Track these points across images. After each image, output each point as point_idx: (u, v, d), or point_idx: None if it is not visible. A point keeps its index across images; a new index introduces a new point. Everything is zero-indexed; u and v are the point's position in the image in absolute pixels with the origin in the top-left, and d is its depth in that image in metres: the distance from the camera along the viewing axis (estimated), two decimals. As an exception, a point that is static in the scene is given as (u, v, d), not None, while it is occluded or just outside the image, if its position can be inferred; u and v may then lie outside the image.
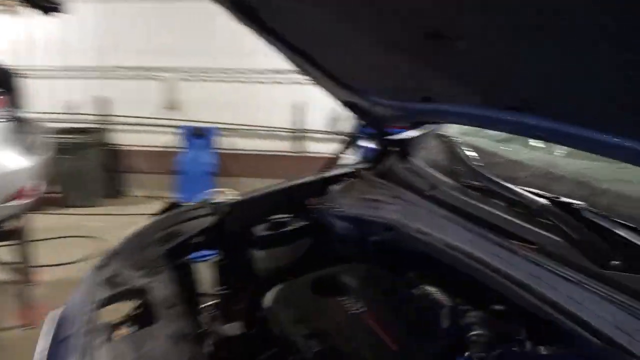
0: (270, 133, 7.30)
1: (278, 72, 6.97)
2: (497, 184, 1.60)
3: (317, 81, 2.07)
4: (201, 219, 2.02)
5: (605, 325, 1.10)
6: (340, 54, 1.80)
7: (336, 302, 1.55)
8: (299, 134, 7.24)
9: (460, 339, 1.37)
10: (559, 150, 1.81)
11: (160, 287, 1.59)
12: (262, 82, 7.08)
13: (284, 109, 7.18)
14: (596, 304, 1.14)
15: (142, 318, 1.54)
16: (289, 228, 2.03)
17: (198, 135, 7.07)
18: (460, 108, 1.52)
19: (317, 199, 2.17)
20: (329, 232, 2.09)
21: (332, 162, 3.03)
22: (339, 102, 2.21)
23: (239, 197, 2.12)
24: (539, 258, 1.31)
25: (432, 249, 1.61)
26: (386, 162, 2.23)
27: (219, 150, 7.25)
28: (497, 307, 1.42)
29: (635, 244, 1.21)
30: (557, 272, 1.25)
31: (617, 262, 1.21)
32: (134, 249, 1.81)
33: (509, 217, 1.50)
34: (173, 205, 2.07)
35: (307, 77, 2.07)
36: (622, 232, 1.25)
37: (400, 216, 1.76)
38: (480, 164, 1.79)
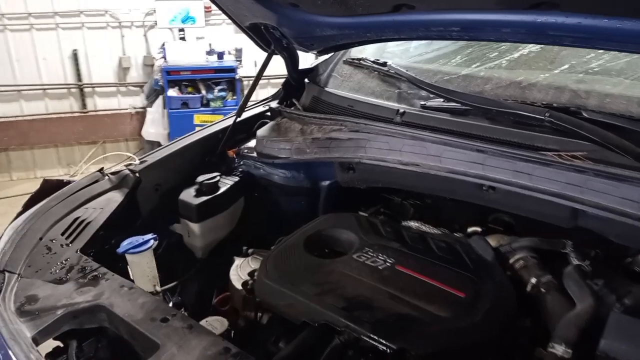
0: (42, 92, 5.97)
1: (42, 16, 5.66)
2: (484, 99, 1.48)
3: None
4: (104, 197, 1.45)
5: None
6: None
7: (352, 260, 1.27)
8: (80, 89, 6.09)
9: (509, 269, 1.27)
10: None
11: (119, 300, 1.07)
12: (26, 30, 5.66)
13: (59, 60, 5.92)
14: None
15: (114, 349, 1.02)
16: (223, 189, 1.61)
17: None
18: (454, 15, 1.32)
19: (240, 148, 1.77)
20: (268, 185, 1.73)
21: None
22: (242, 26, 1.79)
23: (147, 159, 1.59)
24: (572, 164, 1.25)
25: (428, 180, 1.44)
26: (304, 95, 1.93)
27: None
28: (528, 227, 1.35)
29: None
30: (601, 174, 1.20)
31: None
32: (30, 253, 1.20)
33: (512, 130, 1.40)
34: (52, 184, 1.43)
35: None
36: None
37: (373, 151, 1.53)
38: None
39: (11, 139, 5.92)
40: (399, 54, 2.03)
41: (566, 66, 1.56)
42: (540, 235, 1.36)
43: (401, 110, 1.60)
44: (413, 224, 1.56)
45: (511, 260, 1.28)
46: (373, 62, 1.88)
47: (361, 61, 1.94)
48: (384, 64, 1.83)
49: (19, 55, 5.77)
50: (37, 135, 6.00)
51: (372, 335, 1.04)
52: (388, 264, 1.24)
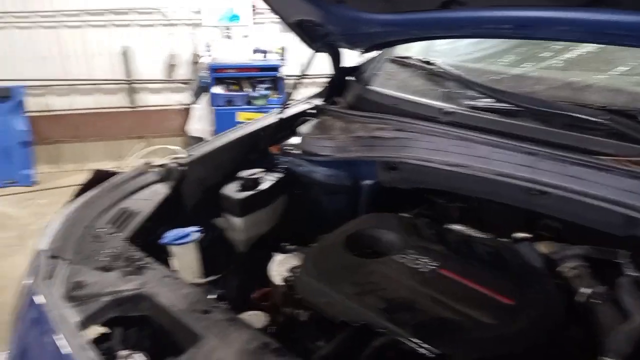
0: (94, 87, 6.19)
1: (95, 13, 5.86)
2: (535, 100, 1.43)
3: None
4: (150, 188, 1.48)
5: None
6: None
7: (393, 261, 1.24)
8: (129, 85, 6.27)
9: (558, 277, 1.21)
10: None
11: (162, 290, 1.09)
12: (78, 27, 5.88)
13: (108, 57, 6.11)
14: None
15: (157, 336, 1.04)
16: (266, 185, 1.61)
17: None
18: (507, 12, 1.28)
19: (283, 145, 1.77)
20: (310, 183, 1.73)
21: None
22: (287, 23, 1.79)
23: (193, 154, 1.62)
24: (629, 170, 1.18)
25: (474, 182, 1.40)
26: (348, 93, 1.91)
27: (29, 114, 5.91)
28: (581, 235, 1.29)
29: None
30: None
31: None
32: (79, 241, 1.23)
33: (565, 132, 1.34)
34: (102, 175, 1.47)
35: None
36: None
37: (418, 151, 1.50)
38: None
39: (63, 131, 6.15)
40: (446, 52, 1.98)
41: (624, 67, 1.49)
42: (591, 242, 1.30)
43: (448, 110, 1.57)
44: (457, 227, 1.52)
45: (561, 268, 1.22)
46: (419, 60, 1.85)
47: (407, 59, 1.91)
48: (431, 63, 1.79)
49: (72, 51, 5.99)
50: (88, 128, 6.21)
51: (412, 339, 1.02)
52: (430, 266, 1.21)
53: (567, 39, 1.43)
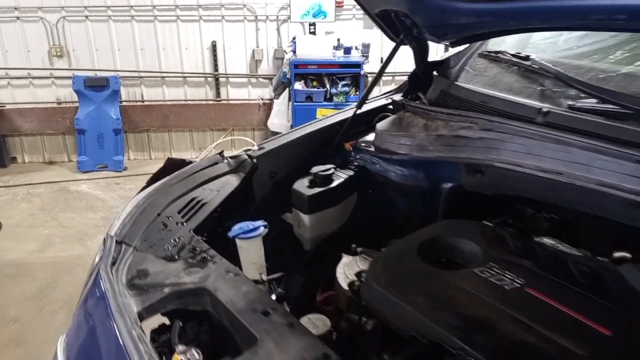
0: (183, 79, 6.43)
1: (187, 8, 6.08)
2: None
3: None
4: (221, 180, 1.46)
5: None
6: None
7: (473, 275, 1.12)
8: (215, 78, 6.45)
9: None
10: None
11: (223, 286, 1.04)
12: (172, 21, 6.14)
13: (197, 51, 6.33)
14: None
15: (215, 334, 1.01)
16: (337, 182, 1.54)
17: (97, 86, 5.98)
18: (622, 0, 1.11)
19: (358, 141, 1.68)
20: (384, 183, 1.63)
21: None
22: (371, 14, 1.70)
23: (264, 146, 1.58)
24: None
25: (571, 192, 1.24)
26: (431, 89, 1.79)
27: (122, 103, 6.27)
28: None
29: None
30: None
31: None
32: (147, 228, 1.22)
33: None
34: (175, 163, 1.47)
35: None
36: None
37: (508, 153, 1.35)
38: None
39: (153, 121, 6.46)
40: (544, 47, 1.81)
41: None
42: None
43: (544, 110, 1.40)
44: (548, 241, 1.37)
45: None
46: (513, 55, 1.69)
47: (499, 54, 1.75)
48: (527, 58, 1.63)
49: (165, 44, 6.25)
50: (175, 119, 6.47)
51: None
52: (516, 284, 1.08)
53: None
